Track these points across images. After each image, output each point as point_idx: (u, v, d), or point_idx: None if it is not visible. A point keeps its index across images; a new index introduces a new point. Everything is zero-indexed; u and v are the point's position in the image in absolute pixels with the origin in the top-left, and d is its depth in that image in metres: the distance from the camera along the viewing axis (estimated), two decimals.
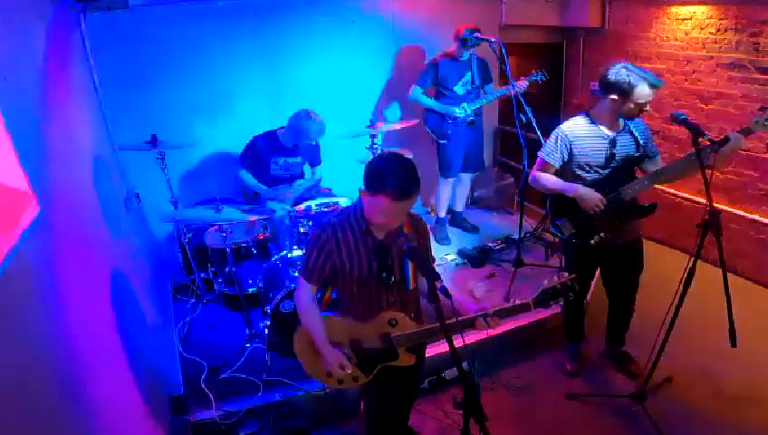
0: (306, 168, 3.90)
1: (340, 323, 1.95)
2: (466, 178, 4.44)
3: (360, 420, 2.65)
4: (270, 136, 3.65)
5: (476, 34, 3.66)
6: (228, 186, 4.13)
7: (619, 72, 2.36)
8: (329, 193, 3.88)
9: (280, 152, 3.66)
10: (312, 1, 3.98)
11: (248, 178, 3.68)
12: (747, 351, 2.30)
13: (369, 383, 2.03)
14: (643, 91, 2.33)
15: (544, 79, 3.81)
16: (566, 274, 1.86)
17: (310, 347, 1.98)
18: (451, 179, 4.23)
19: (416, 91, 3.95)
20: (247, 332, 3.12)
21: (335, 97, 4.21)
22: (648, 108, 2.41)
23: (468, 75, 3.92)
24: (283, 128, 3.64)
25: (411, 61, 4.39)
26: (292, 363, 2.13)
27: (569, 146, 2.53)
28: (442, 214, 4.41)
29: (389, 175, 1.64)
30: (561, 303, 1.85)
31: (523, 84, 3.67)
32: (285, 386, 2.75)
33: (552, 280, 1.84)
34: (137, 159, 3.56)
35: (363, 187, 1.71)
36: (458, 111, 3.88)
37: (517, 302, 1.86)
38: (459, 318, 1.73)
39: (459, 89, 3.92)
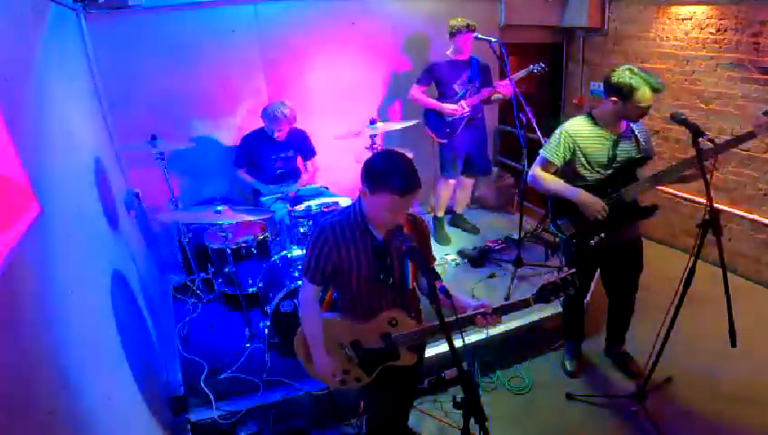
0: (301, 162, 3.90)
1: (342, 323, 1.95)
2: (468, 181, 4.42)
3: (359, 420, 2.66)
4: (260, 132, 3.69)
5: (476, 34, 3.66)
6: (228, 186, 4.14)
7: (622, 74, 2.36)
8: (328, 192, 3.88)
9: (272, 146, 3.68)
10: (312, 1, 3.99)
11: (246, 177, 3.69)
12: (747, 351, 2.31)
13: (369, 383, 2.03)
14: (644, 94, 2.32)
15: (542, 69, 3.75)
16: (567, 269, 1.85)
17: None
18: (451, 181, 4.22)
19: (415, 91, 3.95)
20: (247, 332, 3.12)
21: (335, 96, 4.21)
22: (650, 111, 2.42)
23: (467, 75, 3.91)
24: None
25: (411, 61, 4.39)
26: (292, 363, 2.13)
27: (572, 146, 2.52)
28: (440, 214, 4.41)
29: (392, 171, 1.63)
30: (562, 298, 1.85)
31: (517, 77, 3.61)
32: (285, 386, 2.74)
33: (553, 276, 1.83)
34: (137, 159, 3.57)
35: (363, 187, 1.71)
36: (455, 109, 3.87)
37: (517, 299, 1.85)
38: (459, 316, 1.72)
39: (458, 88, 3.92)
